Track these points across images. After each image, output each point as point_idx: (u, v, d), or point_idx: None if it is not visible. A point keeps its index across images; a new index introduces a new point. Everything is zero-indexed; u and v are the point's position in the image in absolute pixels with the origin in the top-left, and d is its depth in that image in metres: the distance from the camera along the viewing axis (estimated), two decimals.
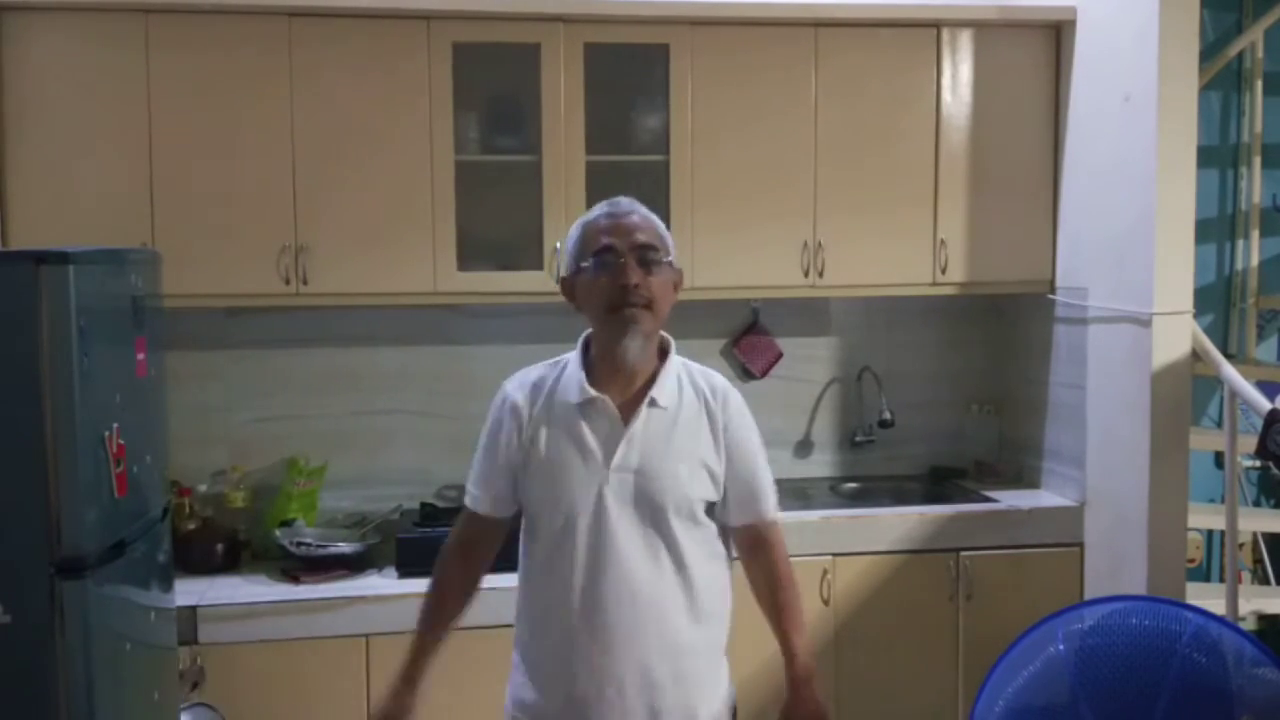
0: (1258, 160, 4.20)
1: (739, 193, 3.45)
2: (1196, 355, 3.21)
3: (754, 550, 2.15)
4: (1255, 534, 4.23)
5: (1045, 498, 3.65)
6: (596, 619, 1.98)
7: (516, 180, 3.41)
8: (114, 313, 2.58)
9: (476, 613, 2.95)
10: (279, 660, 3.02)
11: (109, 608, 2.47)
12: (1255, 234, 4.22)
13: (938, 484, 3.87)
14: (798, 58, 3.47)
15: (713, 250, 3.42)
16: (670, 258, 2.06)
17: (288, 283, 3.24)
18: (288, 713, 3.04)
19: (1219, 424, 4.22)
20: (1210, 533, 4.25)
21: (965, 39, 3.56)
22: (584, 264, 2.04)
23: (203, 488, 3.47)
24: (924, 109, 3.55)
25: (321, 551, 3.22)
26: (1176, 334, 3.15)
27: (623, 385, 2.05)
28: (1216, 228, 4.27)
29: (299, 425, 3.58)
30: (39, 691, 2.34)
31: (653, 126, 3.47)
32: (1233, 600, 3.22)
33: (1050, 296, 3.65)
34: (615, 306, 2.00)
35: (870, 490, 3.84)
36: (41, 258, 2.33)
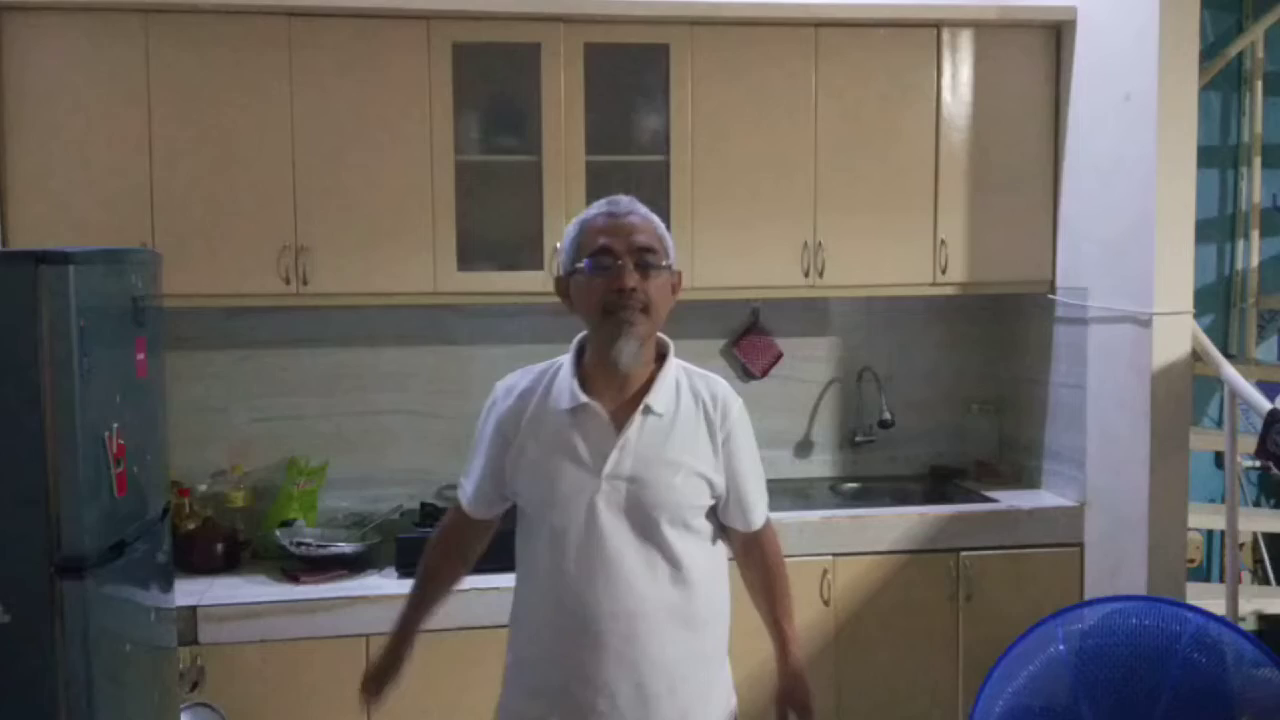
0: (1258, 160, 4.20)
1: (739, 193, 3.45)
2: (1196, 355, 3.21)
3: (747, 547, 2.15)
4: (1255, 534, 4.23)
5: (1045, 498, 3.65)
6: (588, 630, 1.94)
7: (516, 180, 3.41)
8: (114, 313, 2.58)
9: (476, 613, 2.98)
10: (279, 660, 3.02)
11: (109, 608, 2.47)
12: (1255, 234, 4.23)
13: (938, 484, 3.87)
14: (798, 57, 3.47)
15: (713, 250, 3.42)
16: (669, 261, 2.01)
17: (288, 283, 3.25)
18: (288, 713, 3.04)
19: (1219, 424, 4.23)
20: (1210, 533, 4.25)
21: (965, 39, 3.56)
22: (579, 265, 1.98)
23: (203, 488, 3.47)
24: (924, 109, 3.55)
25: (321, 551, 3.22)
26: (1176, 334, 3.15)
27: (617, 390, 2.00)
28: (1216, 228, 4.27)
29: (299, 425, 3.58)
30: (39, 691, 2.34)
31: (653, 126, 3.47)
32: (1233, 600, 3.23)
33: (1050, 296, 3.65)
34: (610, 310, 1.95)
35: (870, 490, 3.84)
36: (41, 258, 2.33)
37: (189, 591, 3.04)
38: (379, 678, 2.23)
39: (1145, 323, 3.17)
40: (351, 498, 3.60)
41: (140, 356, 2.70)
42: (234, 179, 3.21)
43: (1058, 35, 3.59)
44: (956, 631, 3.46)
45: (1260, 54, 4.16)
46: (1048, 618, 2.82)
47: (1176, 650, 2.65)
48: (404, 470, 3.62)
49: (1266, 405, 3.01)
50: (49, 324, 2.31)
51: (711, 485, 2.02)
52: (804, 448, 3.95)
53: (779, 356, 3.85)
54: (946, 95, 3.56)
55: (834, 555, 3.38)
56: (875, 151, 3.52)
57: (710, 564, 2.05)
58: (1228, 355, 3.57)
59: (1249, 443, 3.15)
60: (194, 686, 2.96)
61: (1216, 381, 3.55)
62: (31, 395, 2.31)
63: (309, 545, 3.23)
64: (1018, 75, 3.60)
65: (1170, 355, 3.14)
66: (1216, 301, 4.27)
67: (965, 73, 3.57)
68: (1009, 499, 3.62)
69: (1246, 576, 4.23)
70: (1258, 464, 4.24)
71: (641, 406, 1.98)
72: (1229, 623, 2.84)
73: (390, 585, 3.14)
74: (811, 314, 3.90)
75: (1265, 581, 4.25)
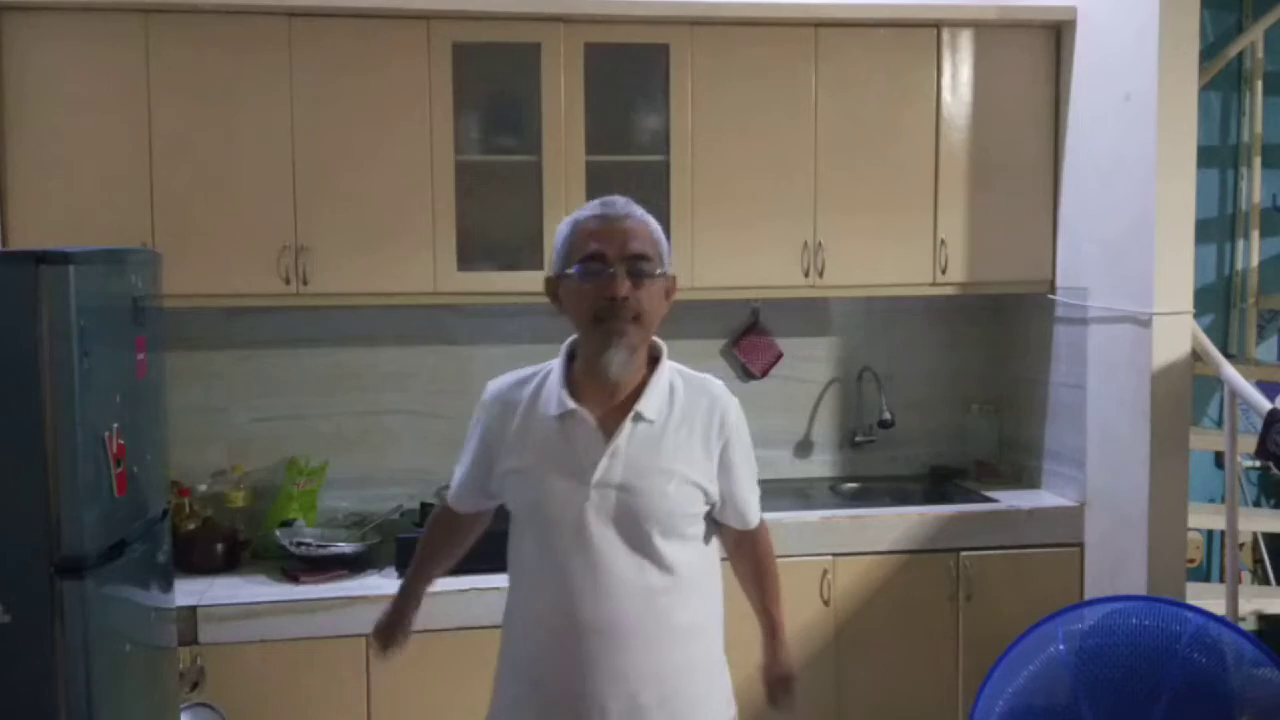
0: (1258, 160, 4.20)
1: (739, 193, 3.45)
2: (1196, 355, 3.21)
3: (740, 543, 2.14)
4: (1255, 534, 4.23)
5: (1045, 498, 3.65)
6: (579, 644, 1.90)
7: (516, 180, 3.41)
8: (114, 313, 2.58)
9: (476, 613, 2.98)
10: (279, 660, 3.02)
11: (109, 608, 2.47)
12: (1255, 234, 4.23)
13: (938, 484, 3.87)
14: (798, 57, 3.47)
15: (713, 250, 3.42)
16: (663, 268, 1.95)
17: (288, 283, 3.25)
18: (288, 713, 3.04)
19: (1219, 424, 4.22)
20: (1210, 533, 4.25)
21: (965, 39, 3.56)
22: (569, 270, 1.93)
23: (203, 488, 3.47)
24: (924, 109, 3.55)
25: (321, 551, 3.22)
26: (1176, 334, 3.15)
27: (608, 396, 1.95)
28: (1216, 228, 4.27)
29: (299, 425, 3.58)
30: (39, 691, 2.33)
31: (653, 126, 3.47)
32: (1233, 600, 3.23)
33: (1050, 296, 3.65)
34: (600, 319, 1.89)
35: (870, 490, 3.84)
36: (41, 258, 2.33)
37: (189, 591, 3.04)
38: (387, 632, 2.24)
39: (1145, 323, 3.17)
40: (351, 498, 3.60)
41: (140, 356, 2.70)
42: (234, 179, 3.21)
43: (1058, 35, 3.59)
44: (956, 631, 3.46)
45: (1260, 54, 4.16)
46: (1048, 618, 2.82)
47: (1176, 650, 2.65)
48: (404, 470, 3.62)
49: (1266, 405, 3.01)
50: (49, 324, 2.31)
51: (706, 493, 1.98)
52: (804, 448, 3.94)
53: (779, 356, 3.85)
54: (946, 95, 3.56)
55: (834, 555, 3.38)
56: (875, 151, 3.52)
57: (703, 566, 2.02)
58: (1228, 355, 3.57)
59: (1249, 443, 3.15)
60: (194, 686, 2.96)
61: (1216, 381, 3.55)
62: (31, 395, 2.31)
63: (309, 545, 3.23)
64: (1018, 75, 3.60)
65: (1170, 355, 3.14)
66: (1216, 301, 4.27)
67: (965, 73, 3.57)
68: (1009, 499, 3.62)
69: (1246, 576, 4.23)
70: (1258, 464, 4.24)
71: (632, 413, 1.93)
72: (1229, 623, 2.84)
73: (390, 585, 3.13)
74: (811, 314, 3.90)
75: (1265, 581, 4.25)
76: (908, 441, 3.96)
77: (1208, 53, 4.04)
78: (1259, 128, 4.20)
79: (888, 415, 3.80)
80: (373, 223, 3.28)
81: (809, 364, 3.92)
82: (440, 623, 2.94)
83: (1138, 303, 3.20)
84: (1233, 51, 4.12)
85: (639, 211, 1.98)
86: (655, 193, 3.37)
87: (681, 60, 3.41)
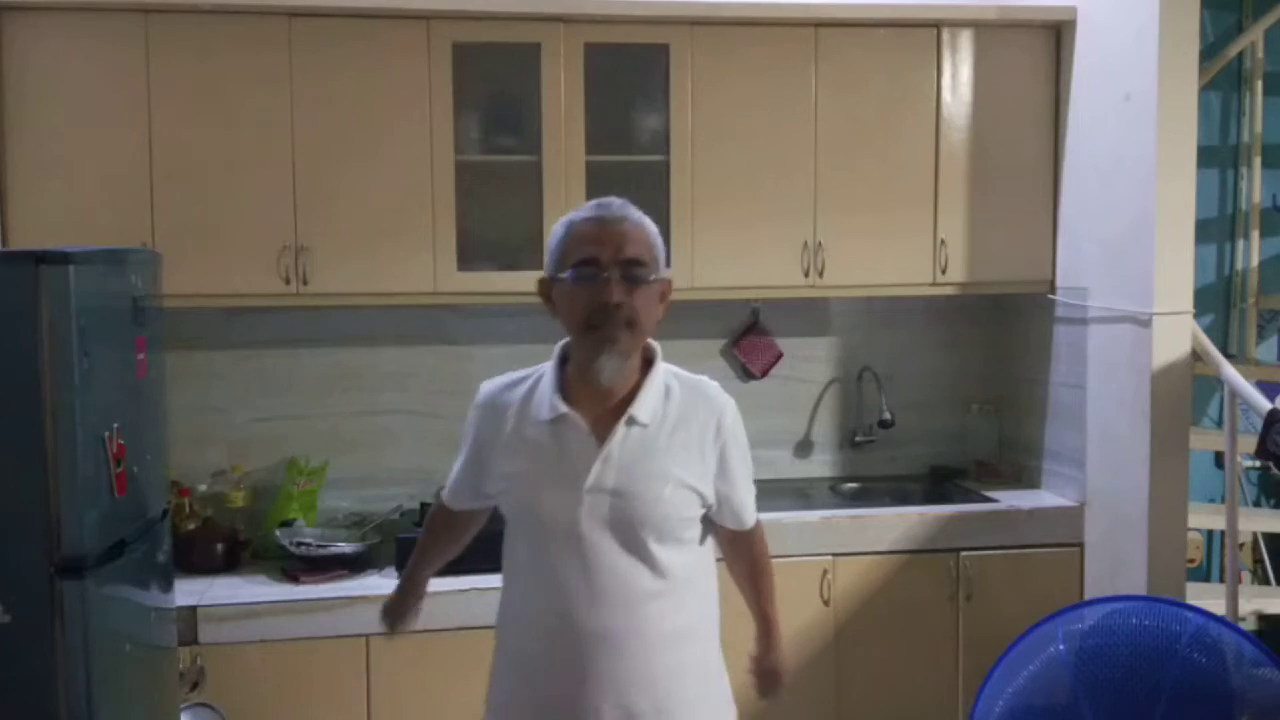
0: (1258, 160, 4.20)
1: (739, 193, 3.45)
2: (1196, 355, 3.21)
3: (735, 543, 2.12)
4: (1255, 534, 4.23)
5: (1045, 498, 3.65)
6: (572, 651, 1.88)
7: (516, 180, 3.41)
8: (114, 313, 2.58)
9: (476, 613, 2.98)
10: (279, 660, 3.02)
11: (109, 608, 2.47)
12: (1255, 234, 4.23)
13: (938, 484, 3.87)
14: (798, 57, 3.47)
15: (713, 250, 3.42)
16: (659, 274, 1.91)
17: (288, 283, 3.25)
18: (288, 713, 3.04)
19: (1219, 424, 4.23)
20: (1210, 533, 4.25)
21: (965, 39, 3.56)
22: (562, 274, 1.89)
23: (203, 488, 3.47)
24: (924, 109, 3.55)
25: (321, 551, 3.22)
26: (1176, 334, 3.15)
27: (601, 399, 1.92)
28: (1216, 228, 4.27)
29: (299, 425, 3.58)
30: (39, 691, 2.34)
31: (653, 126, 3.47)
32: (1233, 600, 3.23)
33: (1050, 296, 3.65)
34: (594, 324, 1.86)
35: (870, 490, 3.84)
36: (41, 258, 2.33)
37: (189, 591, 3.04)
38: (395, 611, 2.26)
39: (1145, 323, 3.17)
40: (351, 498, 3.60)
41: (140, 356, 2.70)
42: (234, 179, 3.21)
43: (1058, 35, 3.59)
44: (956, 631, 3.46)
45: (1260, 54, 4.16)
46: (1048, 618, 2.82)
47: (1176, 650, 2.65)
48: (404, 470, 3.62)
49: (1266, 405, 3.01)
50: (49, 324, 2.31)
51: (702, 496, 1.95)
52: (804, 448, 3.94)
53: (779, 356, 3.85)
54: (946, 95, 3.56)
55: (834, 555, 3.38)
56: (875, 151, 3.52)
57: (699, 568, 1.99)
58: (1228, 355, 3.57)
59: (1249, 443, 3.16)
60: (194, 686, 2.96)
61: (1216, 381, 3.55)
62: (31, 395, 2.31)
63: (309, 545, 3.23)
64: (1018, 75, 3.60)
65: (1170, 355, 3.14)
66: (1216, 301, 4.28)
67: (965, 73, 3.57)
68: (1009, 499, 3.62)
69: (1246, 576, 4.23)
70: (1258, 464, 4.24)
71: (625, 417, 1.90)
72: (1229, 623, 2.84)
73: (390, 585, 3.10)
74: (811, 314, 3.90)
75: (1265, 581, 4.25)
76: (908, 441, 3.96)
77: (1208, 53, 4.04)
78: (1259, 128, 4.20)
79: (888, 415, 3.80)
80: (373, 223, 3.28)
81: (809, 364, 3.92)
82: (440, 623, 2.95)
83: (1138, 303, 3.20)
84: (1233, 51, 4.12)
85: (635, 214, 1.94)
86: (655, 193, 3.37)
87: (681, 60, 3.41)
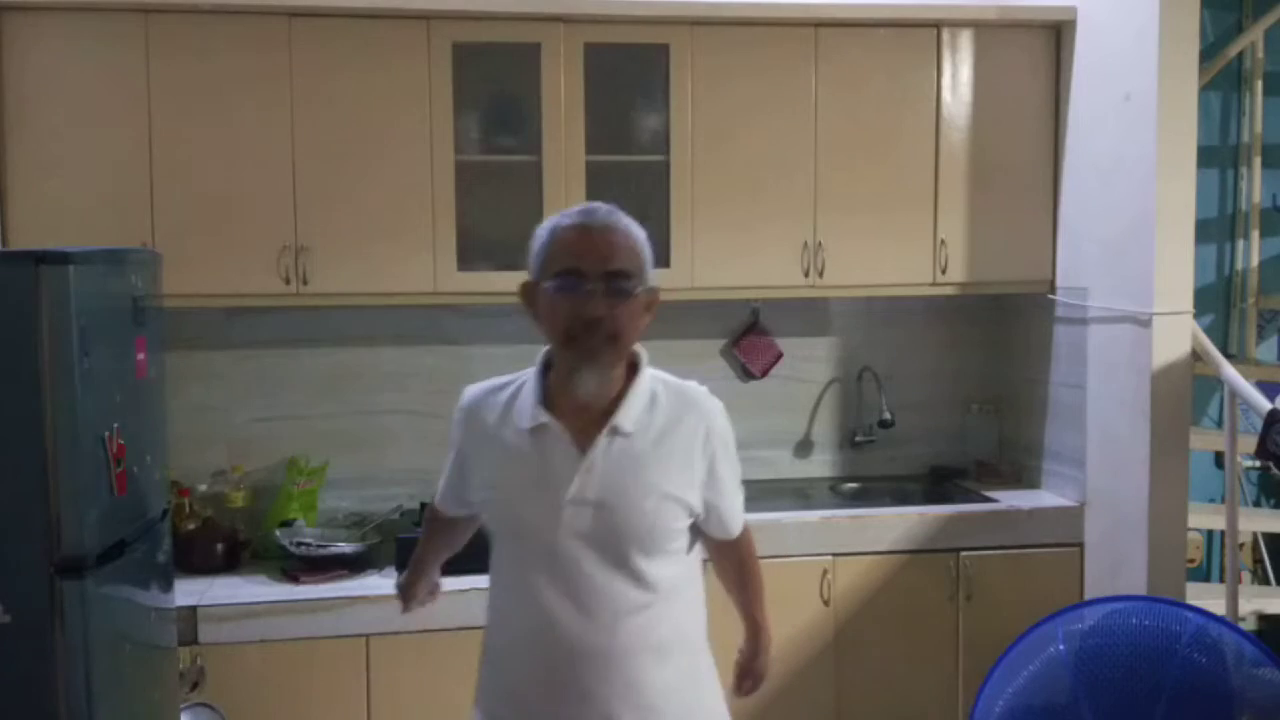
0: (1258, 160, 4.21)
1: (739, 193, 3.45)
2: (1196, 355, 3.21)
3: (721, 547, 2.07)
4: (1255, 534, 4.23)
5: (1045, 498, 3.65)
6: (556, 662, 1.83)
7: (516, 180, 3.41)
8: (114, 313, 2.58)
9: (476, 613, 2.94)
10: (279, 660, 3.02)
11: (109, 608, 2.47)
12: (1255, 234, 4.23)
13: (938, 484, 3.87)
14: (798, 58, 3.47)
15: (713, 250, 3.42)
16: (645, 284, 1.84)
17: (288, 283, 3.25)
18: (288, 713, 3.04)
19: (1219, 424, 4.23)
20: (1210, 533, 4.25)
21: (965, 39, 3.56)
22: (545, 283, 1.82)
23: (203, 488, 3.47)
24: (924, 109, 3.55)
25: (321, 551, 3.22)
26: (1176, 334, 3.15)
27: (583, 408, 1.85)
28: (1216, 228, 4.27)
29: (299, 425, 3.58)
30: (39, 691, 2.33)
31: (653, 126, 3.47)
32: (1233, 600, 3.23)
33: (1050, 296, 3.65)
34: (574, 337, 1.79)
35: (870, 490, 3.84)
36: (41, 258, 2.32)
37: (189, 591, 3.04)
38: (409, 589, 2.25)
39: (1145, 323, 3.17)
40: (351, 498, 3.60)
41: (140, 356, 2.70)
42: (234, 179, 3.21)
43: (1058, 35, 3.59)
44: (956, 631, 3.46)
45: (1260, 54, 4.16)
46: (1048, 618, 2.82)
47: (1176, 650, 2.65)
48: (404, 470, 3.62)
49: (1266, 405, 3.01)
50: (49, 324, 2.31)
51: (688, 507, 1.89)
52: (804, 448, 3.94)
53: (779, 356, 3.85)
54: (946, 95, 3.56)
55: (834, 555, 3.38)
56: (875, 151, 3.52)
57: (685, 577, 1.93)
58: (1228, 355, 3.57)
59: (1249, 443, 3.16)
60: (194, 686, 2.96)
61: (1216, 381, 3.55)
62: (31, 395, 2.31)
63: (309, 545, 3.23)
64: (1018, 75, 3.60)
65: (1170, 355, 3.14)
66: (1216, 301, 4.28)
67: (965, 73, 3.57)
68: (1009, 499, 3.62)
69: (1246, 576, 4.23)
70: (1258, 464, 4.24)
71: (608, 427, 1.84)
72: (1229, 623, 2.84)
73: (390, 585, 3.13)
74: (811, 314, 3.90)
75: (1265, 581, 4.25)
76: (908, 441, 3.96)
77: (1208, 53, 4.04)
78: (1259, 128, 4.20)
79: (888, 415, 3.80)
80: (373, 223, 3.28)
81: (809, 364, 3.92)
82: (440, 623, 2.94)
83: (1138, 303, 3.20)
84: (1233, 51, 4.12)
85: (622, 222, 1.86)
86: (655, 193, 3.38)
87: (681, 60, 3.41)
